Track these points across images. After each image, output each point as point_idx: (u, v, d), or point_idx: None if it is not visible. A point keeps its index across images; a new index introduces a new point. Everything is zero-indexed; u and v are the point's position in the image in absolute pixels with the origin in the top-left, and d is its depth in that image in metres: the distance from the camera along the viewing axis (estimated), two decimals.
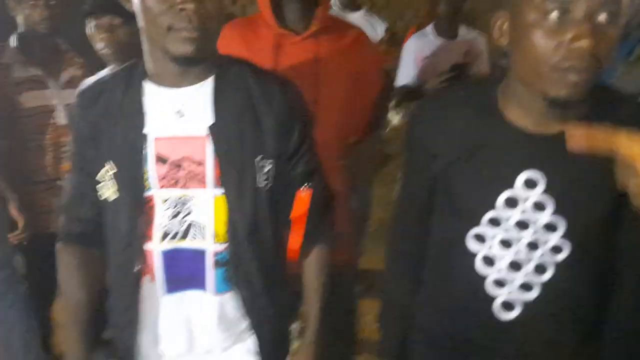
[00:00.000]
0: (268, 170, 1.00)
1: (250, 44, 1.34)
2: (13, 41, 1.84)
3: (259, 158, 0.99)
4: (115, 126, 0.99)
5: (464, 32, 2.45)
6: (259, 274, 1.02)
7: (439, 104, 0.96)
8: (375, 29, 2.77)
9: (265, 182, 1.00)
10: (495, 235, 0.87)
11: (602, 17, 0.72)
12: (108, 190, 1.01)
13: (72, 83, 1.88)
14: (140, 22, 0.94)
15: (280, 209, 1.05)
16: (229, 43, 1.27)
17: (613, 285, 0.88)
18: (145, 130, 0.97)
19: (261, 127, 0.99)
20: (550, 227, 0.84)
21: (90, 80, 1.11)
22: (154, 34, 0.91)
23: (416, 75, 2.41)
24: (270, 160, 1.00)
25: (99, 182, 1.01)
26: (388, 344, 1.10)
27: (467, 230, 0.89)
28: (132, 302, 1.03)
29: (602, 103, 0.83)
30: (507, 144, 0.85)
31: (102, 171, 1.00)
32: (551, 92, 0.76)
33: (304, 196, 1.05)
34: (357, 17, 2.71)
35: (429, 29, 2.47)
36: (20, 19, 1.83)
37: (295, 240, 1.07)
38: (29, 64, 1.83)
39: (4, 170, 1.80)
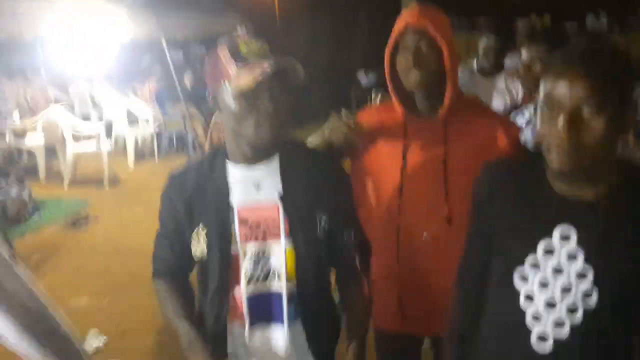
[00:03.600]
0: (324, 224, 1.27)
1: (383, 126, 1.53)
2: None
3: (318, 214, 1.27)
4: (205, 197, 1.26)
5: None
6: (319, 308, 1.32)
7: (499, 171, 1.17)
8: (517, 92, 2.83)
9: (323, 233, 1.27)
10: (535, 276, 1.05)
11: (585, 111, 0.92)
12: (199, 247, 1.26)
13: None
14: (224, 116, 1.23)
15: (331, 253, 1.31)
16: (366, 124, 1.52)
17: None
18: (231, 199, 1.25)
19: (317, 190, 1.27)
20: (581, 275, 1.01)
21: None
22: (239, 128, 1.18)
23: None
24: (325, 216, 1.27)
25: (190, 240, 1.27)
26: None
27: (514, 268, 1.07)
28: (220, 343, 1.29)
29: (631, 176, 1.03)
30: (548, 204, 1.05)
31: (194, 233, 1.27)
32: (551, 165, 0.99)
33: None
34: (498, 82, 2.71)
35: None
36: None
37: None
38: None
39: None
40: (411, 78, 1.41)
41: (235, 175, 1.26)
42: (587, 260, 1.00)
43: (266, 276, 1.27)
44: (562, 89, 0.93)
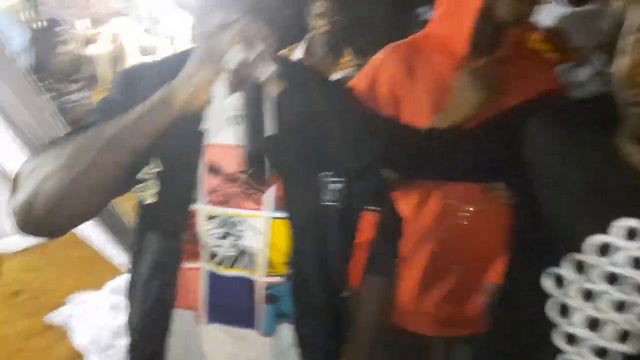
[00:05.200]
0: (335, 189, 0.88)
1: (416, 70, 1.21)
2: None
3: (326, 174, 0.87)
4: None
5: None
6: (322, 308, 0.92)
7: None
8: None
9: (333, 201, 0.88)
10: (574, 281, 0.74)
11: None
12: (147, 191, 0.86)
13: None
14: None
15: (348, 232, 0.93)
16: (388, 68, 1.21)
17: None
18: (203, 128, 0.84)
19: (327, 140, 0.86)
20: None
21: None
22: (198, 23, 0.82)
23: None
24: (337, 179, 0.87)
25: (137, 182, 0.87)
26: None
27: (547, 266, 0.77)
28: (160, 338, 0.89)
29: None
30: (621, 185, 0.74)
31: (144, 170, 0.86)
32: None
33: (369, 219, 0.93)
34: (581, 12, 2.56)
35: None
36: None
37: (357, 265, 0.96)
38: None
39: None
40: (517, 6, 1.10)
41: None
42: None
43: (235, 260, 0.88)
44: None
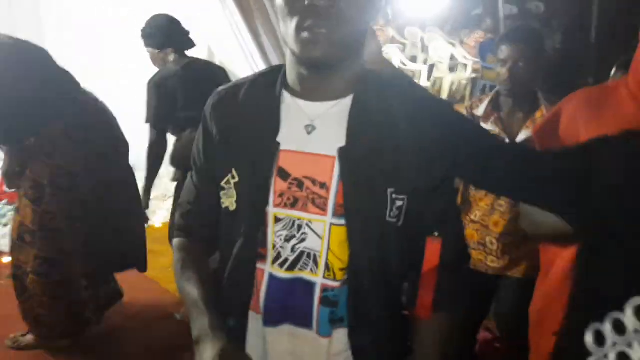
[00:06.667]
0: (400, 206, 0.88)
1: (602, 117, 1.14)
2: None
3: (391, 190, 0.88)
4: (247, 132, 0.93)
5: None
6: (377, 320, 0.93)
7: None
8: None
9: (396, 218, 0.89)
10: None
11: None
12: (228, 199, 0.94)
13: None
14: (279, 24, 0.89)
15: (411, 252, 0.94)
16: (572, 110, 1.17)
17: None
18: (279, 139, 0.90)
19: (399, 156, 0.88)
20: None
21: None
22: (286, 35, 0.84)
23: None
24: (403, 196, 0.89)
25: (223, 189, 0.95)
26: None
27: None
28: (242, 323, 0.97)
29: None
30: None
31: (227, 178, 0.94)
32: None
33: (434, 246, 0.92)
34: None
35: None
36: None
37: (425, 296, 0.96)
38: None
39: None
40: None
41: (288, 110, 0.92)
42: None
43: (296, 261, 0.92)
44: None
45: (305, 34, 0.81)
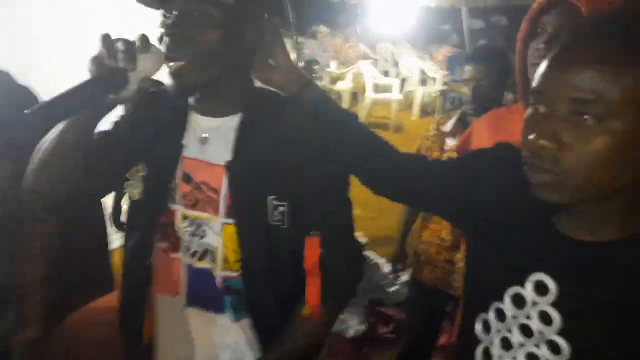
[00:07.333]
0: (282, 211, 0.98)
1: (501, 136, 1.14)
2: None
3: (272, 197, 0.98)
4: (158, 135, 1.01)
5: None
6: (274, 307, 1.02)
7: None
8: None
9: (280, 222, 0.99)
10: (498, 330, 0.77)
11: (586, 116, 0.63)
12: (134, 189, 1.03)
13: None
14: None
15: (300, 252, 1.02)
16: (480, 135, 1.26)
17: None
18: (184, 142, 1.00)
19: (282, 169, 0.97)
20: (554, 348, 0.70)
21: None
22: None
23: None
24: (284, 202, 0.98)
25: (127, 179, 1.04)
26: None
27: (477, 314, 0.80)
28: (140, 304, 1.06)
29: None
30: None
31: (132, 170, 1.03)
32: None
33: (311, 243, 1.00)
34: None
35: None
36: None
37: (311, 293, 1.02)
38: None
39: None
40: None
41: (192, 121, 1.02)
42: (562, 332, 0.70)
43: (203, 254, 1.03)
44: None
45: (170, 66, 0.90)
